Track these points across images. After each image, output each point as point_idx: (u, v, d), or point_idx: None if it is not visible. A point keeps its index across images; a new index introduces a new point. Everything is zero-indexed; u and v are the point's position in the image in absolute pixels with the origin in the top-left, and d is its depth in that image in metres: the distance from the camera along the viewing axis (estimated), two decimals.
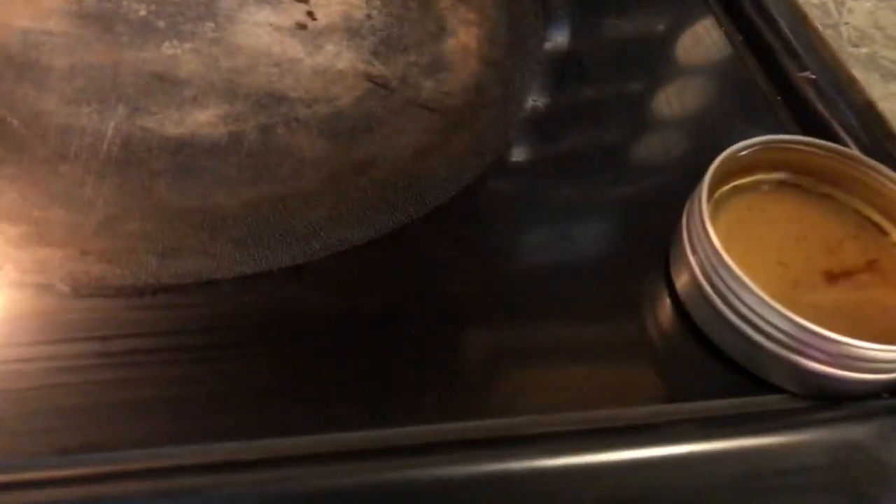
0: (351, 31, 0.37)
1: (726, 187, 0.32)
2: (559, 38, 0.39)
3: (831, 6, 0.42)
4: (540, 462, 0.26)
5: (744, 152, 0.30)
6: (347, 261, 0.29)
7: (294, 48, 0.36)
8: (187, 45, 0.35)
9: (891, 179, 0.31)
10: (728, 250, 0.29)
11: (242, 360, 0.26)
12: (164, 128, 0.32)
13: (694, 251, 0.29)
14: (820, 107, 0.37)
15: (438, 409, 0.27)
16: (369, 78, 0.35)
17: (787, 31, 0.40)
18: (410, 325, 0.28)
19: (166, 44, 0.35)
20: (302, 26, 0.37)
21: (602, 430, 0.27)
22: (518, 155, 0.34)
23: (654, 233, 0.32)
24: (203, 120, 0.32)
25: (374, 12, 0.38)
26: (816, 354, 0.27)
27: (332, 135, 0.33)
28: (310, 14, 0.37)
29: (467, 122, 0.34)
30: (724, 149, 0.30)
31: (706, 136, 0.37)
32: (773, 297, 0.28)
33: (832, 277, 0.30)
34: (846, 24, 0.41)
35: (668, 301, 0.30)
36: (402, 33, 0.37)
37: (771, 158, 0.32)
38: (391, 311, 0.28)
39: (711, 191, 0.30)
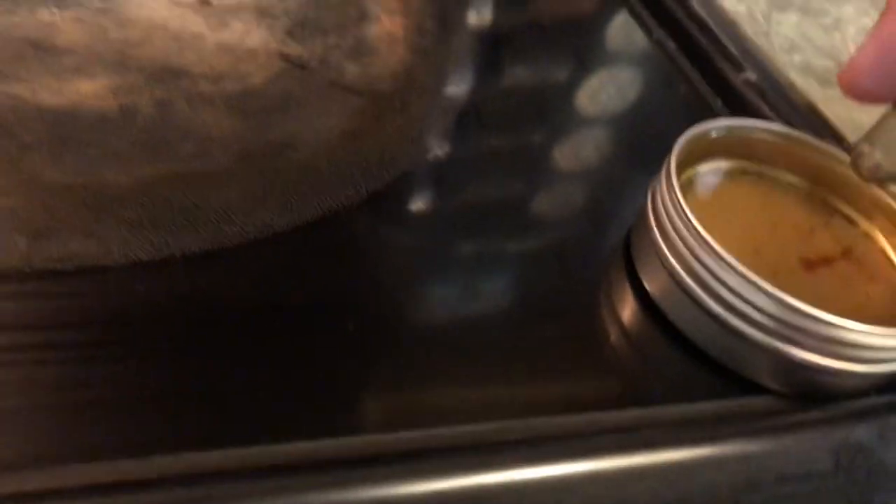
0: (261, 11, 0.33)
1: (688, 173, 0.29)
2: (488, 31, 0.36)
3: (759, 17, 0.41)
4: (508, 473, 0.21)
5: (713, 133, 0.27)
6: (267, 248, 0.24)
7: (196, 23, 0.31)
8: (68, 14, 0.30)
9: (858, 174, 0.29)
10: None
11: (134, 361, 0.21)
12: (37, 97, 0.26)
13: (664, 236, 0.26)
14: (764, 109, 0.35)
15: (379, 417, 0.22)
16: (284, 57, 0.31)
17: (720, 36, 0.39)
18: (340, 322, 0.23)
19: (43, 10, 0.30)
20: (205, 2, 0.32)
21: (571, 436, 0.23)
22: (457, 144, 0.30)
23: (615, 218, 0.28)
24: (88, 91, 0.27)
25: None
26: (807, 341, 0.24)
27: (243, 113, 0.28)
28: None
29: (399, 108, 0.31)
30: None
31: (651, 143, 0.35)
32: None
33: (810, 265, 0.27)
34: (776, 33, 0.40)
35: (633, 295, 0.27)
36: (320, 16, 0.33)
37: (731, 146, 0.29)
38: (317, 305, 0.24)
39: (675, 176, 0.27)
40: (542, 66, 0.36)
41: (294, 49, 0.31)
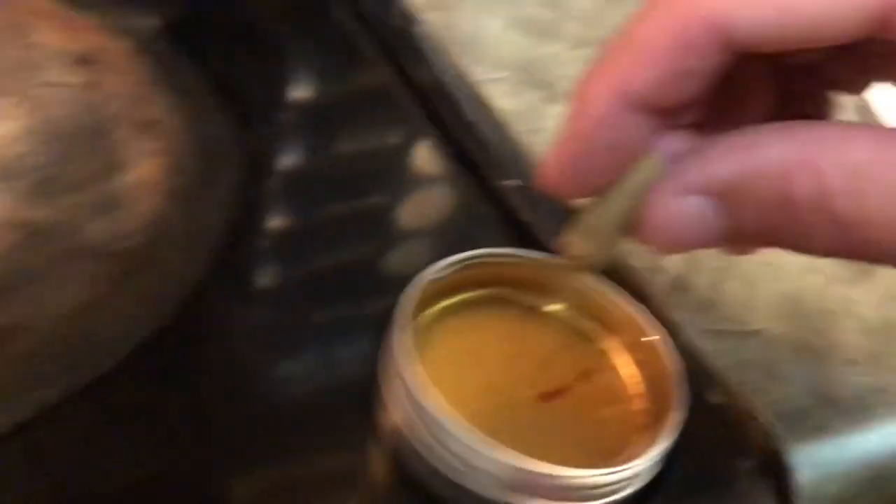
0: (2, 171, 0.32)
1: (433, 309, 0.30)
2: (259, 162, 0.36)
3: (529, 112, 0.42)
4: None
5: (436, 276, 0.28)
6: None
7: None
8: None
9: (598, 287, 0.30)
10: (436, 382, 0.27)
11: None
12: None
13: (394, 390, 0.26)
14: (528, 215, 0.36)
15: None
16: (21, 226, 0.30)
17: (489, 139, 0.40)
18: None
19: None
20: None
21: None
22: (209, 297, 0.30)
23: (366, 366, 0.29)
24: None
25: (35, 148, 0.33)
26: (538, 491, 0.25)
27: None
28: None
29: (145, 265, 0.30)
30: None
31: (417, 258, 0.35)
32: (487, 428, 0.26)
33: (547, 396, 0.28)
34: (546, 129, 0.41)
35: (378, 445, 0.27)
36: (69, 172, 0.33)
37: (477, 274, 0.30)
38: None
39: (408, 322, 0.27)
40: (314, 198, 0.37)
41: (35, 213, 0.31)
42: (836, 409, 0.31)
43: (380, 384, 0.27)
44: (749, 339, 0.33)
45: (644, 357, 0.29)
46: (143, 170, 0.34)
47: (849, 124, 0.20)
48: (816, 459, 0.29)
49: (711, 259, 0.36)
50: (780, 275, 0.36)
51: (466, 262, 0.29)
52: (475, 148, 0.40)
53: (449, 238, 0.37)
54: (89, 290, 0.29)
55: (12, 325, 0.27)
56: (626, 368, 0.30)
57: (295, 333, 0.31)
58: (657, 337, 0.28)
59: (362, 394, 0.28)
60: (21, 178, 0.32)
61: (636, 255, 0.35)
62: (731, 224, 0.21)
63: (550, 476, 0.24)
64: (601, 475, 0.24)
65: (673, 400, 0.26)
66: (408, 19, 0.46)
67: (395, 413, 0.26)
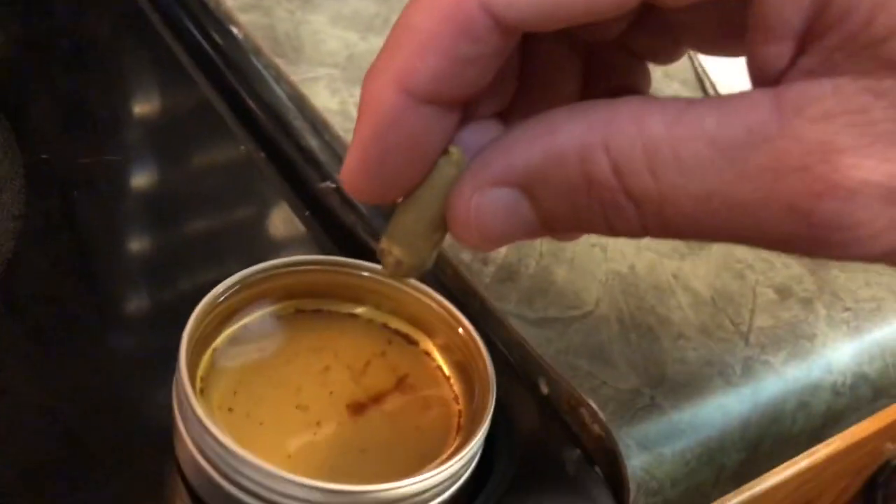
0: None
1: (232, 329, 0.28)
2: (41, 189, 0.33)
3: (352, 109, 0.40)
4: None
5: (222, 298, 0.26)
6: None
7: None
8: None
9: (414, 288, 0.28)
10: (233, 408, 0.25)
11: None
12: None
13: (185, 422, 0.24)
14: (347, 217, 0.35)
15: None
16: None
17: (308, 141, 0.38)
18: None
19: None
20: None
21: None
22: None
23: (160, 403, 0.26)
24: None
25: None
26: None
27: None
28: None
29: None
30: None
31: (228, 271, 0.33)
32: (293, 450, 0.25)
33: (359, 408, 0.27)
34: None
35: (178, 485, 0.25)
36: None
37: (283, 285, 0.28)
38: None
39: (199, 346, 0.25)
40: (110, 215, 0.34)
41: None
42: (665, 387, 0.30)
43: (174, 410, 0.25)
44: (577, 323, 0.32)
45: (461, 357, 0.28)
46: None
47: (647, 99, 0.19)
48: (647, 440, 0.29)
49: (539, 246, 0.35)
50: (611, 255, 0.36)
51: (262, 274, 0.27)
52: (292, 150, 0.38)
53: (263, 246, 0.35)
54: None
55: None
56: (444, 371, 0.28)
57: (85, 364, 0.28)
58: (471, 335, 0.27)
59: (164, 420, 0.26)
60: None
61: (462, 248, 0.34)
62: (541, 212, 0.20)
63: (350, 494, 0.22)
64: (404, 486, 0.23)
65: (486, 404, 0.25)
66: (222, 24, 0.44)
67: (188, 440, 0.24)
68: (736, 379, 0.31)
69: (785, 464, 0.44)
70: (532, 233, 0.21)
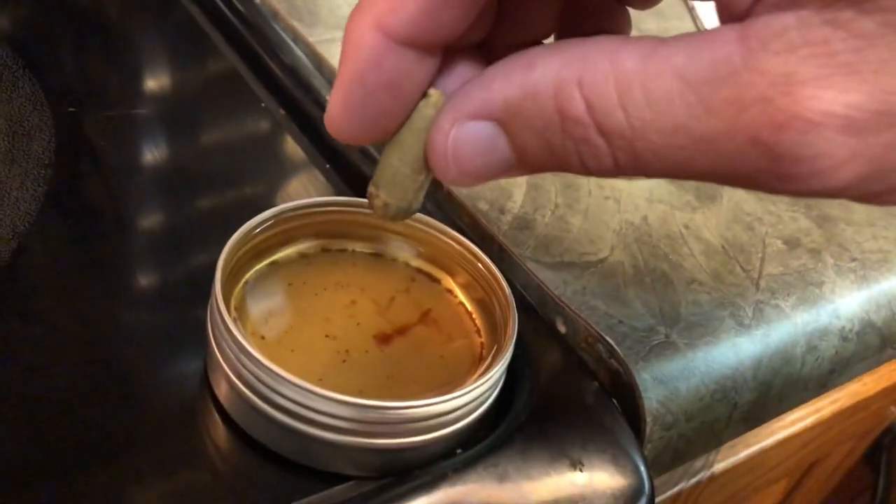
0: None
1: (262, 265, 0.28)
2: (70, 140, 0.34)
3: None
4: None
5: (258, 230, 0.27)
6: None
7: None
8: None
9: (435, 229, 0.29)
10: (265, 335, 0.26)
11: None
12: None
13: (222, 350, 0.25)
14: (364, 167, 0.35)
15: None
16: None
17: (327, 99, 0.39)
18: None
19: None
20: None
21: None
22: (13, 275, 0.28)
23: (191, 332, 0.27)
24: None
25: None
26: (373, 429, 0.24)
27: None
28: None
29: None
30: None
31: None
32: (324, 374, 0.25)
33: (385, 339, 0.27)
34: None
35: (212, 410, 0.26)
36: None
37: (310, 225, 0.29)
38: None
39: (232, 277, 0.26)
40: (137, 166, 0.35)
41: None
42: (679, 327, 0.31)
43: (209, 335, 0.25)
44: (593, 268, 0.33)
45: (483, 296, 0.29)
46: None
47: (622, 38, 0.19)
48: (662, 375, 0.30)
49: (555, 197, 0.36)
50: (624, 207, 0.36)
51: (291, 213, 0.28)
52: (312, 107, 0.39)
53: (286, 198, 0.36)
54: None
55: None
56: (466, 306, 0.29)
57: (116, 297, 0.29)
58: (492, 272, 0.28)
59: (195, 347, 0.27)
60: None
61: (481, 197, 0.35)
62: (517, 147, 0.20)
63: (380, 409, 0.23)
64: (430, 405, 0.24)
65: (508, 330, 0.26)
66: None
67: (223, 362, 0.25)
68: (748, 321, 0.32)
69: (791, 418, 0.45)
70: (509, 169, 0.21)
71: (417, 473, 0.25)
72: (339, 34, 0.43)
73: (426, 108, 0.21)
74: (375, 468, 0.25)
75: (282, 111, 0.39)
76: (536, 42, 0.23)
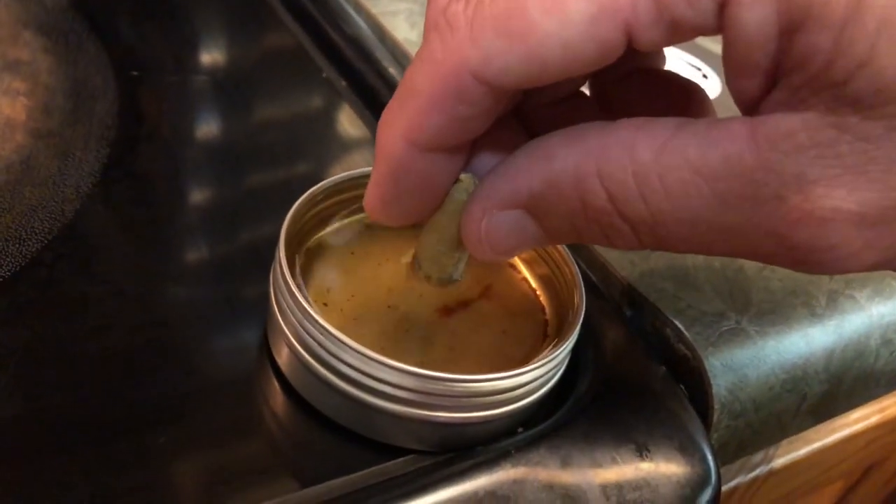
0: None
1: (324, 232, 0.28)
2: (132, 102, 0.33)
3: None
4: None
5: (319, 196, 0.26)
6: None
7: None
8: None
9: None
10: (328, 303, 0.25)
11: None
12: None
13: (284, 316, 0.24)
14: None
15: None
16: None
17: (389, 71, 0.38)
18: None
19: None
20: None
21: None
22: (76, 234, 0.28)
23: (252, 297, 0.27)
24: None
25: None
26: (436, 402, 0.23)
27: None
28: None
29: (7, 204, 0.28)
30: None
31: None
32: (386, 344, 0.25)
33: (447, 311, 0.27)
34: None
35: (272, 378, 0.26)
36: None
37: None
38: None
39: (294, 244, 0.26)
40: (197, 133, 0.34)
41: None
42: (750, 313, 0.30)
43: (271, 300, 0.25)
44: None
45: (547, 271, 0.28)
46: (6, 110, 0.31)
47: (637, 124, 0.20)
48: (732, 362, 0.29)
49: None
50: None
51: (354, 181, 0.27)
52: (374, 79, 0.38)
53: (344, 163, 0.36)
54: None
55: None
56: (530, 282, 0.28)
57: (178, 259, 0.29)
58: (560, 250, 0.27)
59: (256, 313, 0.26)
60: None
61: None
62: (546, 229, 0.21)
63: (445, 381, 0.22)
64: (497, 379, 0.23)
65: (575, 308, 0.25)
66: None
67: (285, 327, 0.24)
68: (821, 310, 0.31)
69: (856, 416, 0.43)
70: (540, 244, 0.22)
71: (479, 450, 0.24)
72: (403, 6, 0.43)
73: (458, 193, 0.22)
74: (436, 442, 0.24)
75: (343, 82, 0.39)
76: (572, 94, 0.24)
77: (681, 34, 0.18)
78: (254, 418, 0.25)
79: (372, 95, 0.38)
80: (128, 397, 0.24)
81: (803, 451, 0.42)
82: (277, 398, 0.25)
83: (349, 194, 0.28)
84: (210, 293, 0.28)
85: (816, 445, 0.42)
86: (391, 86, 0.38)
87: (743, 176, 0.18)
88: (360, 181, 0.28)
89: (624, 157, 0.19)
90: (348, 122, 0.38)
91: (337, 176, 0.27)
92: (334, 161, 0.36)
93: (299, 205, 0.26)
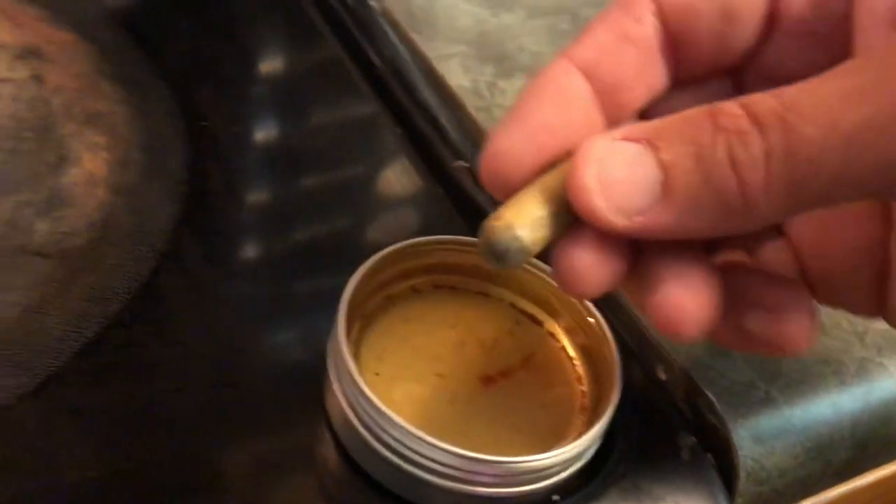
0: None
1: (378, 299, 0.30)
2: (202, 155, 0.36)
3: (483, 88, 0.42)
4: None
5: (378, 265, 0.28)
6: None
7: None
8: None
9: (539, 269, 0.30)
10: (380, 372, 0.28)
11: None
12: None
13: (338, 384, 0.27)
14: (477, 196, 0.37)
15: None
16: None
17: (442, 120, 0.40)
18: None
19: None
20: None
21: None
22: (152, 294, 0.30)
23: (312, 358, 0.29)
24: None
25: None
26: (479, 479, 0.25)
27: None
28: None
29: (91, 264, 0.30)
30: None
31: (367, 239, 0.36)
32: (430, 414, 0.27)
33: (489, 381, 0.29)
34: (498, 105, 0.41)
35: (327, 437, 0.28)
36: (14, 169, 0.33)
37: (423, 262, 0.31)
38: None
39: (352, 312, 0.28)
40: (263, 190, 0.37)
41: None
42: (779, 383, 0.31)
43: (328, 369, 0.27)
44: None
45: (585, 340, 0.30)
46: (88, 165, 0.34)
47: None
48: (759, 433, 0.30)
49: None
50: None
51: (410, 250, 0.29)
52: (429, 128, 0.40)
53: (400, 219, 0.38)
54: (37, 290, 0.29)
55: None
56: (569, 352, 0.30)
57: (245, 318, 0.31)
58: (597, 320, 0.29)
59: (315, 374, 0.28)
60: None
61: None
62: (664, 165, 0.19)
63: (488, 463, 0.25)
64: (536, 460, 0.25)
65: (612, 382, 0.27)
66: None
67: (341, 399, 0.26)
68: (850, 378, 0.32)
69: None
70: (653, 200, 0.19)
71: None
72: (457, 49, 0.44)
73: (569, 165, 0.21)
74: None
75: (398, 129, 0.40)
76: None
77: None
78: (310, 478, 0.27)
79: (424, 143, 0.39)
80: (201, 458, 0.26)
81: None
82: (332, 458, 0.28)
83: (402, 264, 0.30)
84: (276, 348, 0.30)
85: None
86: (442, 135, 0.39)
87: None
88: (416, 249, 0.30)
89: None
90: (402, 171, 0.39)
91: (392, 247, 0.29)
92: (390, 210, 0.38)
93: (359, 275, 0.28)
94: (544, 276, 0.30)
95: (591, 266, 0.20)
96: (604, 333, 0.29)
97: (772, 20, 0.23)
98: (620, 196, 0.20)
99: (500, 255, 0.21)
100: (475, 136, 0.39)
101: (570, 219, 0.21)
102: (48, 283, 0.29)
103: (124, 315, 0.29)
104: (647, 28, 0.22)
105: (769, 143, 0.18)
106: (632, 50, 0.22)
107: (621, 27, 0.22)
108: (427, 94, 0.41)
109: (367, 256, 0.28)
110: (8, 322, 0.28)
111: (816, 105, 0.18)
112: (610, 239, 0.20)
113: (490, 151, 0.22)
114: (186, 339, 0.29)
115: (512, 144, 0.21)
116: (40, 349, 0.27)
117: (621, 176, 0.19)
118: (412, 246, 0.30)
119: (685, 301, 0.20)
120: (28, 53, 0.38)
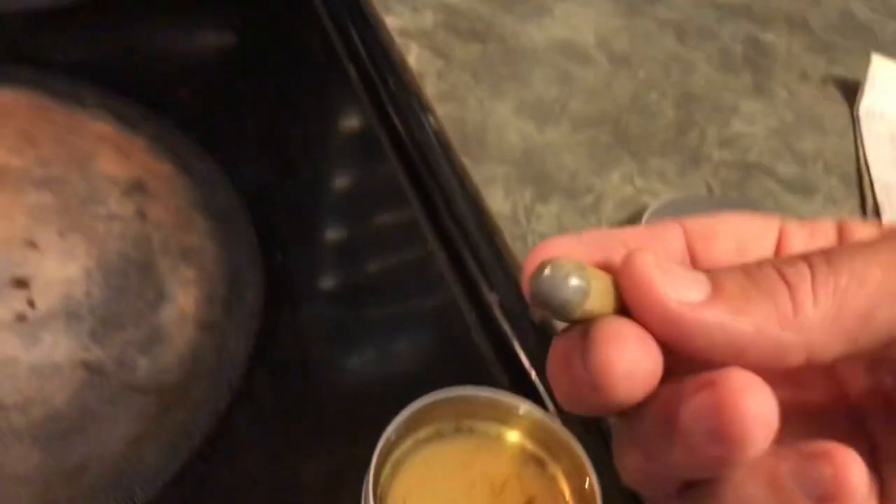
0: (70, 315, 0.39)
1: (406, 444, 0.36)
2: (275, 289, 0.42)
3: (521, 214, 0.47)
4: None
5: (412, 417, 0.34)
6: None
7: (11, 344, 0.38)
8: None
9: (543, 413, 0.36)
10: None
11: None
12: None
13: None
14: (505, 328, 0.42)
15: None
16: (85, 366, 0.38)
17: (482, 252, 0.45)
18: None
19: None
20: (21, 318, 0.39)
21: None
22: (229, 430, 0.37)
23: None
24: None
25: (95, 287, 0.41)
26: None
27: (46, 441, 0.35)
28: (30, 302, 0.40)
29: (179, 399, 0.38)
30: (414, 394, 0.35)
31: (403, 377, 0.42)
32: None
33: None
34: (533, 232, 0.46)
35: None
36: (121, 307, 0.40)
37: (447, 409, 0.37)
38: None
39: (384, 457, 0.34)
40: (325, 327, 0.43)
41: (94, 353, 0.38)
42: None
43: None
44: None
45: (578, 484, 0.35)
46: (182, 301, 0.41)
47: None
48: None
49: None
50: None
51: (442, 400, 0.35)
52: (469, 256, 0.45)
53: (436, 357, 0.43)
54: (138, 424, 0.37)
55: (84, 459, 0.35)
56: (564, 495, 0.36)
57: (306, 457, 0.38)
58: (587, 463, 0.34)
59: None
60: (83, 319, 0.40)
61: None
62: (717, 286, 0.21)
63: None
64: None
65: None
66: (418, 114, 0.51)
67: None
68: None
69: None
70: (703, 298, 0.20)
71: None
72: (501, 170, 0.49)
73: None
74: None
75: (444, 254, 0.46)
76: None
77: None
78: None
79: (465, 273, 0.45)
80: None
81: None
82: None
83: (436, 411, 0.36)
84: (331, 480, 0.37)
85: None
86: (481, 265, 0.45)
87: None
88: (444, 400, 0.36)
89: None
90: (444, 300, 0.45)
91: (421, 400, 0.35)
92: (430, 342, 0.44)
93: (393, 427, 0.34)
94: (547, 418, 0.36)
95: (632, 361, 0.20)
96: (591, 484, 0.34)
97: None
98: (671, 287, 0.20)
99: (556, 290, 0.20)
100: (507, 269, 0.44)
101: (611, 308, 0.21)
102: (146, 418, 0.37)
103: (205, 449, 0.36)
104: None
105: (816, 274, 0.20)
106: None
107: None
108: (470, 223, 0.47)
109: (413, 395, 0.34)
110: (115, 455, 0.35)
111: None
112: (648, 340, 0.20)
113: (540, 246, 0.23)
114: (258, 473, 0.36)
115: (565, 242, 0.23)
116: (139, 480, 0.35)
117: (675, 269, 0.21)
118: (441, 400, 0.36)
119: None
120: (133, 188, 0.45)
